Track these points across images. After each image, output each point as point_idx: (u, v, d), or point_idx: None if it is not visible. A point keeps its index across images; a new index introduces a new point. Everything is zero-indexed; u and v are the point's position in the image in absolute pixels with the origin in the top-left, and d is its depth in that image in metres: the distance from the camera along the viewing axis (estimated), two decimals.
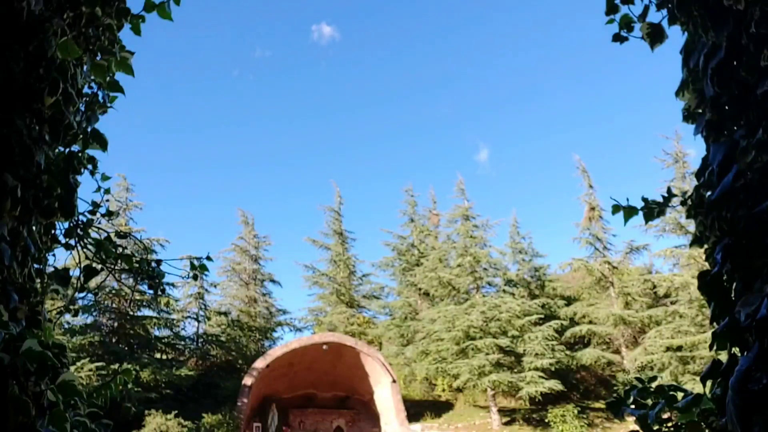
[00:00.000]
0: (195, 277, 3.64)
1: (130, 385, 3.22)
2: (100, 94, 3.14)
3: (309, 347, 26.43)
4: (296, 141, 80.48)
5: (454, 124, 79.25)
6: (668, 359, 27.09)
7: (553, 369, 28.42)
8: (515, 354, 29.46)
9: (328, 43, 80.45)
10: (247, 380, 25.04)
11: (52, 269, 2.95)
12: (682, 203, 2.85)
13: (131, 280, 24.28)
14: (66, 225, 3.15)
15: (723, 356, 2.24)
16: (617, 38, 3.03)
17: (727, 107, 2.43)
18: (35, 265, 2.63)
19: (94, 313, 29.33)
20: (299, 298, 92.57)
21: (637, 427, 2.54)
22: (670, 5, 2.75)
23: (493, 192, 73.11)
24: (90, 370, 23.01)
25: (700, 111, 2.64)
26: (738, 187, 2.23)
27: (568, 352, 30.06)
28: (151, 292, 3.88)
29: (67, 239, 3.17)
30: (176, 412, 23.09)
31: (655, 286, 31.36)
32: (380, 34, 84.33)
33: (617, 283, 32.68)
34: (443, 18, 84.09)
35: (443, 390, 32.06)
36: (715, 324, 2.32)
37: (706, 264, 2.51)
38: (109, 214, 3.52)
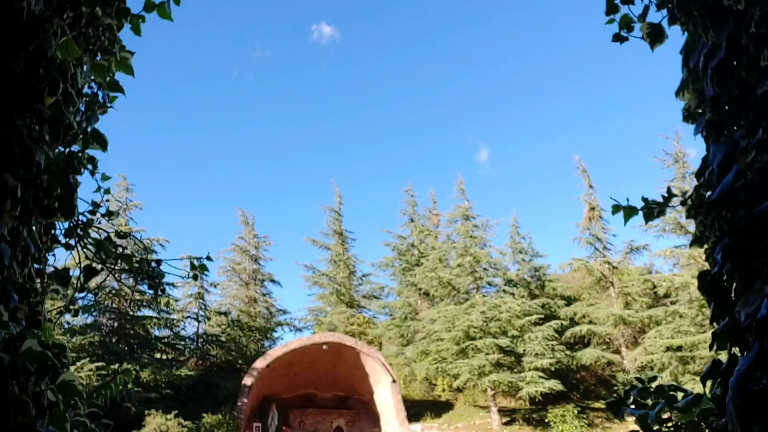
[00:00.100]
0: (195, 277, 3.64)
1: (130, 385, 3.22)
2: (100, 94, 3.14)
3: (309, 347, 26.43)
4: (296, 141, 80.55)
5: (454, 124, 79.32)
6: (668, 359, 27.09)
7: (553, 369, 28.42)
8: (515, 354, 29.46)
9: (328, 43, 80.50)
10: (247, 380, 25.04)
11: (52, 269, 2.95)
12: (682, 203, 2.85)
13: (131, 280, 24.29)
14: (66, 225, 3.15)
15: (723, 356, 2.24)
16: (617, 38, 3.03)
17: (727, 107, 2.43)
18: (35, 265, 2.63)
19: (94, 313, 29.33)
20: (299, 298, 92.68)
21: (637, 427, 2.54)
22: (670, 5, 2.75)
23: (493, 192, 73.19)
24: (90, 370, 23.01)
25: (700, 111, 2.64)
26: (738, 187, 2.23)
27: (568, 352, 30.06)
28: (151, 292, 3.89)
29: (67, 239, 3.17)
30: (176, 412, 23.09)
31: (655, 286, 31.36)
32: (380, 34, 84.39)
33: (617, 283, 32.67)
34: (443, 18, 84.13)
35: (443, 390, 32.06)
36: (715, 324, 2.32)
37: (706, 264, 2.51)
38: (109, 214, 3.52)
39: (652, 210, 2.99)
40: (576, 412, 27.37)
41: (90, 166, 3.24)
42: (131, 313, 30.20)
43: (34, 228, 2.61)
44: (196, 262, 3.62)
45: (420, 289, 36.50)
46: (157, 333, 32.10)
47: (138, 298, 29.12)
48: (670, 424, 2.49)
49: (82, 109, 3.00)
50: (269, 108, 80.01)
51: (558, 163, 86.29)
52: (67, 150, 2.93)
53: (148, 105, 73.82)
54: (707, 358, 24.68)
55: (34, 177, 2.45)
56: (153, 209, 57.83)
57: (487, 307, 29.59)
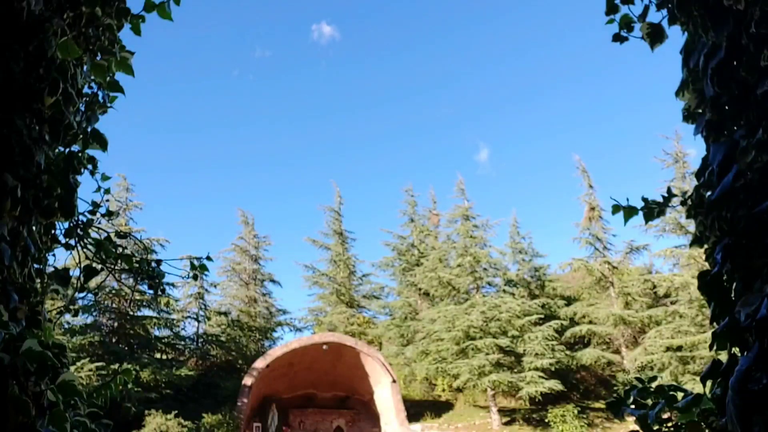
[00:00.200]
0: (195, 277, 3.64)
1: (130, 385, 3.22)
2: (100, 94, 3.14)
3: (309, 347, 26.42)
4: (296, 141, 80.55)
5: (454, 124, 79.34)
6: (668, 359, 27.08)
7: (553, 369, 28.42)
8: (515, 354, 29.46)
9: (328, 43, 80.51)
10: (247, 380, 25.04)
11: (52, 269, 2.95)
12: (682, 203, 2.85)
13: (131, 280, 24.27)
14: (66, 225, 3.15)
15: (723, 356, 2.24)
16: (617, 38, 3.03)
17: (727, 107, 2.43)
18: (35, 265, 2.63)
19: (94, 313, 29.33)
20: (299, 298, 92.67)
21: (637, 427, 2.54)
22: (670, 5, 2.75)
23: (493, 192, 73.20)
24: (90, 370, 23.00)
25: (700, 111, 2.64)
26: (738, 187, 2.23)
27: (568, 352, 30.06)
28: (151, 292, 3.89)
29: (67, 239, 3.17)
30: (176, 412, 23.09)
31: (655, 286, 31.36)
32: (380, 34, 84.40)
33: (617, 283, 32.67)
34: (443, 18, 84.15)
35: (443, 390, 32.06)
36: (715, 324, 2.32)
37: (706, 264, 2.51)
38: (109, 214, 3.52)
39: (652, 210, 2.99)
40: (576, 412, 27.37)
41: (90, 166, 3.24)
42: (131, 313, 30.20)
43: (34, 228, 2.61)
44: (196, 262, 3.62)
45: (420, 289, 36.49)
46: (157, 333, 32.11)
47: (138, 298, 29.11)
48: (670, 424, 2.49)
49: (82, 109, 3.00)
50: (269, 108, 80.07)
51: (558, 163, 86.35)
52: (67, 150, 2.93)
53: (148, 105, 73.88)
54: (707, 358, 24.68)
55: (34, 177, 2.45)
56: (153, 209, 57.85)
57: (487, 307, 29.59)
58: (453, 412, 30.55)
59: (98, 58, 3.02)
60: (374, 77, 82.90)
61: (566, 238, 57.80)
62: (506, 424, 28.63)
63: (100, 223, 3.46)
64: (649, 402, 2.60)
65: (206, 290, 35.65)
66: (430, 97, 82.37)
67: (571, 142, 78.89)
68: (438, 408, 30.79)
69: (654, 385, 2.67)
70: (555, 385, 27.53)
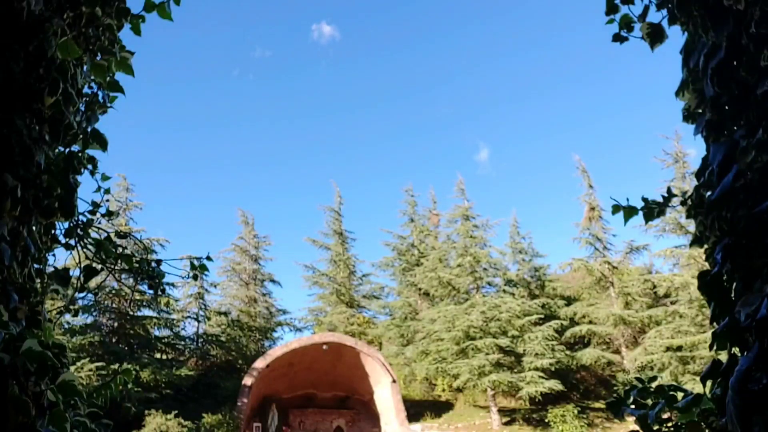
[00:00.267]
0: (195, 277, 3.64)
1: (130, 385, 3.22)
2: (100, 94, 3.14)
3: (309, 347, 26.42)
4: (296, 141, 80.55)
5: (454, 124, 79.33)
6: (668, 359, 27.08)
7: (553, 369, 28.42)
8: (515, 354, 29.46)
9: (328, 43, 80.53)
10: (247, 380, 25.04)
11: (52, 269, 2.95)
12: (682, 203, 2.84)
13: (131, 280, 24.26)
14: (66, 225, 3.14)
15: (723, 356, 2.24)
16: (617, 38, 3.03)
17: (727, 107, 2.43)
18: (35, 265, 2.63)
19: (94, 313, 29.33)
20: (299, 298, 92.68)
21: (637, 427, 2.54)
22: (670, 5, 2.75)
23: (493, 192, 73.20)
24: (90, 370, 23.00)
25: (700, 111, 2.64)
26: (738, 187, 2.23)
27: (568, 352, 30.06)
28: (151, 292, 3.88)
29: (67, 239, 3.17)
30: (176, 412, 23.09)
31: (655, 286, 31.36)
32: (380, 33, 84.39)
33: (617, 283, 32.67)
34: (443, 18, 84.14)
35: (443, 390, 32.06)
36: (715, 324, 2.32)
37: (706, 264, 2.51)
38: (109, 214, 3.52)
39: (652, 210, 2.99)
40: (576, 412, 27.37)
41: (90, 166, 3.24)
42: (131, 313, 30.20)
43: (34, 228, 2.61)
44: (196, 262, 3.62)
45: (420, 289, 36.49)
46: (157, 333, 32.10)
47: (138, 298, 29.11)
48: (670, 424, 2.49)
49: (82, 109, 3.00)
50: (269, 107, 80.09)
51: (558, 163, 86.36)
52: (67, 150, 2.92)
53: (148, 105, 73.87)
54: (707, 358, 24.68)
55: (34, 177, 2.45)
56: (153, 209, 57.86)
57: (487, 307, 29.59)
58: (453, 412, 30.55)
59: (98, 58, 3.02)
60: (374, 77, 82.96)
61: (566, 238, 57.85)
62: (506, 424, 28.63)
63: (100, 223, 3.46)
64: (649, 402, 2.60)
65: (206, 290, 35.66)
66: (430, 97, 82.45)
67: (571, 142, 78.95)
68: (438, 408, 30.79)
69: (654, 385, 2.67)
70: (555, 385, 27.53)
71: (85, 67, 2.95)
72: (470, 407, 30.80)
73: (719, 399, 2.15)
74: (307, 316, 40.31)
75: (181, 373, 27.39)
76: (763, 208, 2.09)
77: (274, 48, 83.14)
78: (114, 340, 29.02)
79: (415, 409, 29.01)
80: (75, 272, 3.18)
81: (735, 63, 2.33)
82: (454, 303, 32.31)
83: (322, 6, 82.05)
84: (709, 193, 2.47)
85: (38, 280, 2.69)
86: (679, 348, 27.41)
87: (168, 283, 7.05)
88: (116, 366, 21.83)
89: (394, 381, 26.64)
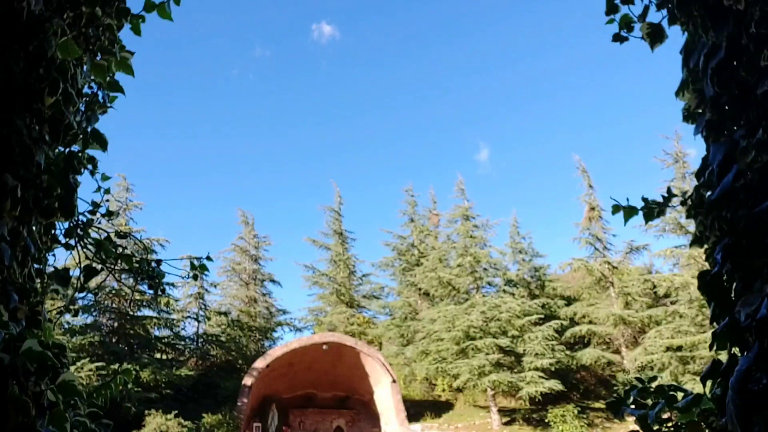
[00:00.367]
0: (195, 277, 3.64)
1: (130, 385, 3.22)
2: (100, 94, 3.14)
3: (309, 347, 26.43)
4: (296, 141, 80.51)
5: (454, 124, 79.33)
6: (668, 359, 27.09)
7: (553, 369, 28.42)
8: (515, 354, 29.47)
9: (328, 42, 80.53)
10: (247, 380, 25.04)
11: (52, 269, 2.95)
12: (682, 203, 2.85)
13: (131, 280, 24.27)
14: (66, 225, 3.15)
15: (723, 356, 2.24)
16: (617, 38, 3.03)
17: (727, 107, 2.43)
18: (35, 265, 2.63)
19: (94, 313, 29.33)
20: (299, 298, 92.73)
21: (637, 427, 2.54)
22: (670, 5, 2.75)
23: (493, 192, 73.20)
24: (90, 370, 23.01)
25: (700, 111, 2.64)
26: (738, 187, 2.23)
27: (568, 352, 30.06)
28: (151, 292, 3.89)
29: (67, 239, 3.17)
30: (176, 412, 23.09)
31: (655, 286, 31.37)
32: (380, 34, 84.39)
33: (617, 283, 32.68)
34: (444, 18, 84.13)
35: (443, 390, 32.06)
36: (715, 324, 2.32)
37: (706, 264, 2.51)
38: (109, 214, 3.52)
39: (652, 210, 2.99)
40: (576, 412, 27.37)
41: (90, 166, 3.24)
42: (131, 313, 30.20)
43: (34, 228, 2.61)
44: (196, 262, 3.62)
45: (420, 289, 36.50)
46: (157, 333, 32.11)
47: (138, 298, 29.11)
48: (670, 424, 2.49)
49: (82, 109, 3.00)
50: (269, 108, 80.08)
51: (558, 163, 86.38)
52: (67, 150, 2.92)
53: (148, 105, 73.86)
54: (707, 358, 24.68)
55: (34, 177, 2.45)
56: (153, 209, 57.84)
57: (487, 307, 29.59)
58: (453, 412, 30.55)
59: (98, 58, 3.02)
60: (374, 77, 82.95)
61: (566, 238, 57.85)
62: (506, 424, 28.64)
63: (100, 223, 3.46)
64: (649, 402, 2.61)
65: (206, 290, 35.67)
66: (430, 97, 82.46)
67: (571, 143, 78.95)
68: (438, 408, 30.79)
69: (654, 385, 2.67)
70: (555, 385, 27.53)
71: (85, 67, 2.95)
72: (470, 407, 30.80)
73: (719, 399, 2.15)
74: (307, 316, 40.36)
75: (181, 373, 27.39)
76: (763, 208, 2.09)
77: (274, 48, 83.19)
78: (114, 340, 29.02)
79: (415, 409, 29.01)
80: (75, 272, 3.19)
81: (735, 63, 2.33)
82: (454, 303, 32.32)
83: (322, 6, 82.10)
84: (709, 193, 2.47)
85: (38, 280, 2.69)
86: (679, 348, 27.41)
87: (168, 283, 7.05)
88: (116, 366, 21.85)
89: (394, 381, 26.64)
